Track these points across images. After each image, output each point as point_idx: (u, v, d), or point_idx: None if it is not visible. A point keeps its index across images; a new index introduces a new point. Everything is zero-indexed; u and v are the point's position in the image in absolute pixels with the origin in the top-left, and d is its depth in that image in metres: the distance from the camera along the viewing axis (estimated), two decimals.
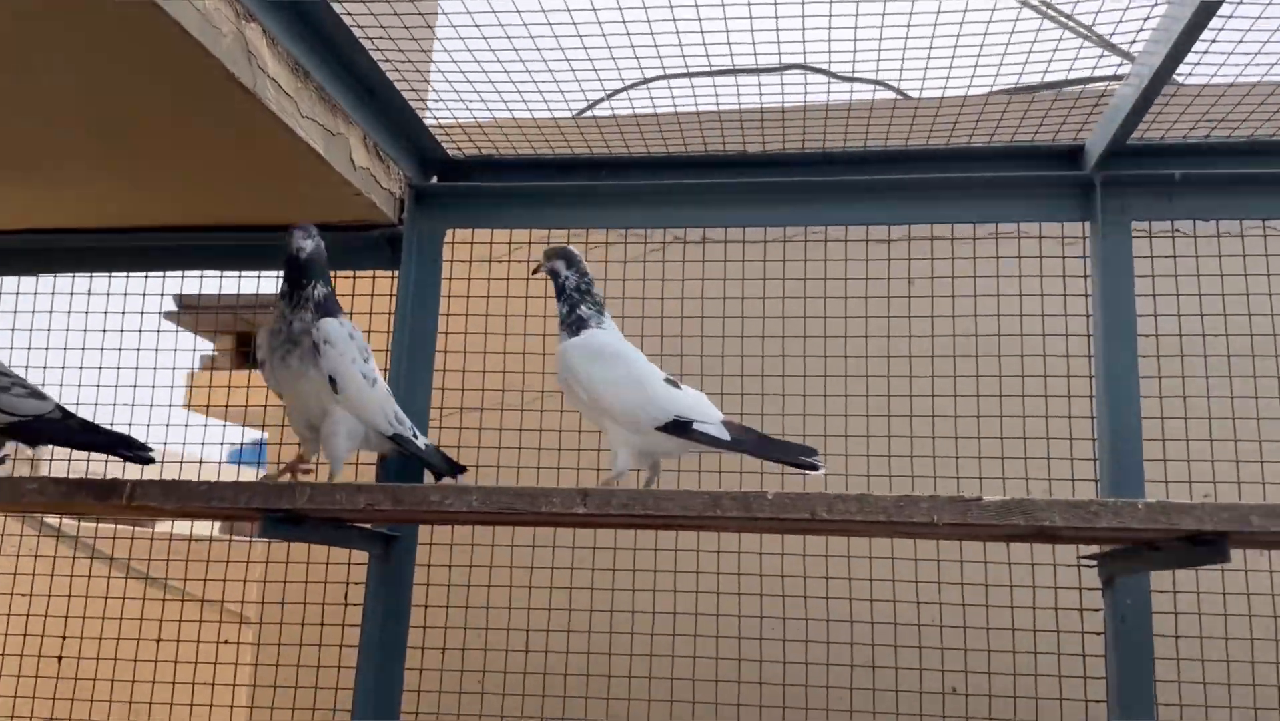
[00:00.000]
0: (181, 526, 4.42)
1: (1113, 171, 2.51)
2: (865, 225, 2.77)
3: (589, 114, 2.76)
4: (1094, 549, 2.40)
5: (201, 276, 3.03)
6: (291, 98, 2.16)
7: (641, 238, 3.03)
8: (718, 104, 2.60)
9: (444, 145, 2.74)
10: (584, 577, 2.66)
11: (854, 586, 2.66)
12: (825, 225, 2.81)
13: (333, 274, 2.80)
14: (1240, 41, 2.11)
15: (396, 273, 2.77)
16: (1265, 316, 2.53)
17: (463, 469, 2.51)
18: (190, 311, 4.83)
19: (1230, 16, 2.00)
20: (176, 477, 2.07)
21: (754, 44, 2.35)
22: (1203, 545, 1.83)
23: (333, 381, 2.19)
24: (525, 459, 2.68)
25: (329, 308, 2.25)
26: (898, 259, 2.77)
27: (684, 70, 2.57)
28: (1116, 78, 2.55)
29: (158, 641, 2.88)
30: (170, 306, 5.04)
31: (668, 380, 2.22)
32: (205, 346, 5.50)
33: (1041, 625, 2.52)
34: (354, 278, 2.85)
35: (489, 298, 2.82)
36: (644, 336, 2.79)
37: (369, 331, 2.78)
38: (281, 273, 2.27)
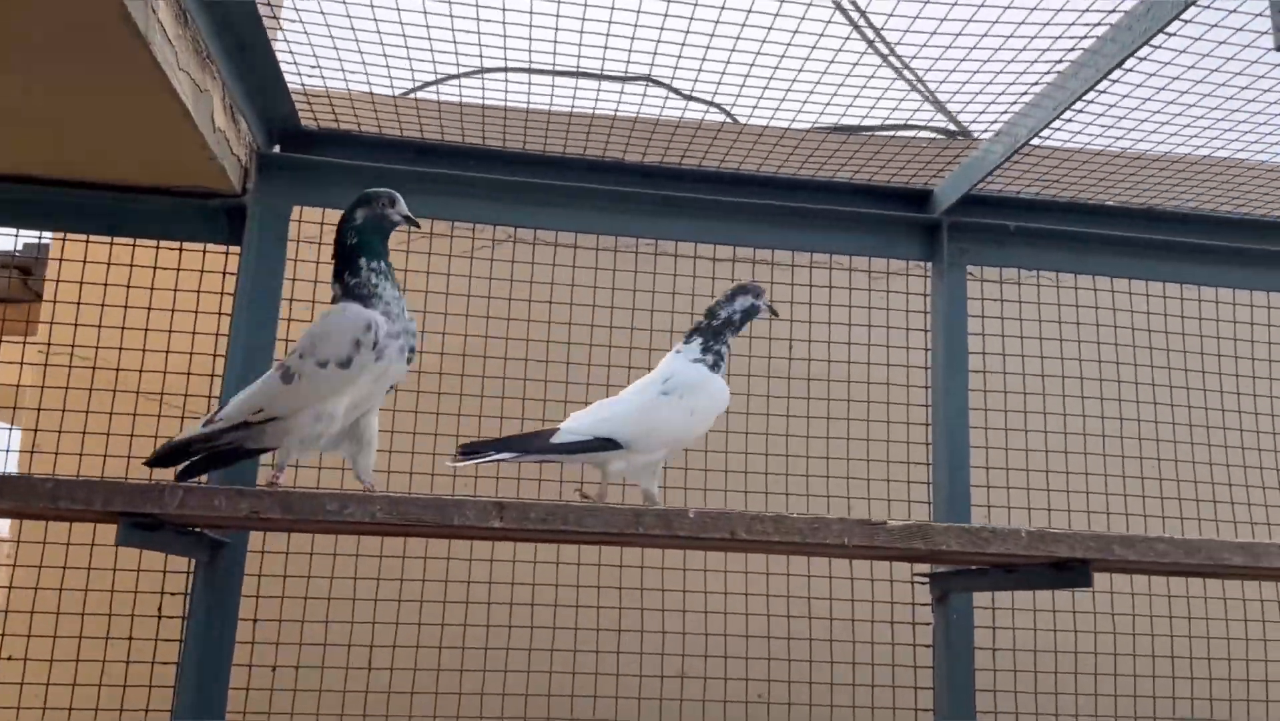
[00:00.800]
0: None
1: (957, 218, 2.71)
2: (712, 244, 2.82)
3: (447, 97, 2.61)
4: (926, 567, 2.58)
5: None
6: (173, 46, 1.89)
7: (474, 232, 2.92)
8: (549, 104, 2.54)
9: (300, 113, 2.51)
10: (435, 590, 2.52)
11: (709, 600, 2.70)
12: (674, 240, 2.84)
13: (157, 244, 2.53)
14: (1100, 116, 2.34)
15: (231, 247, 2.51)
16: (1074, 360, 2.82)
17: None
18: None
19: (1102, 93, 2.21)
20: None
21: (604, 49, 2.32)
22: (1067, 570, 2.01)
23: None
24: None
25: None
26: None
27: (526, 65, 2.50)
28: (944, 130, 2.74)
29: None
30: None
31: None
32: None
33: (878, 638, 2.68)
34: (180, 250, 2.53)
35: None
36: (470, 336, 2.70)
37: (197, 312, 2.51)
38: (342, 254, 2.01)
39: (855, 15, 2.44)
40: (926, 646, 2.59)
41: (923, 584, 2.59)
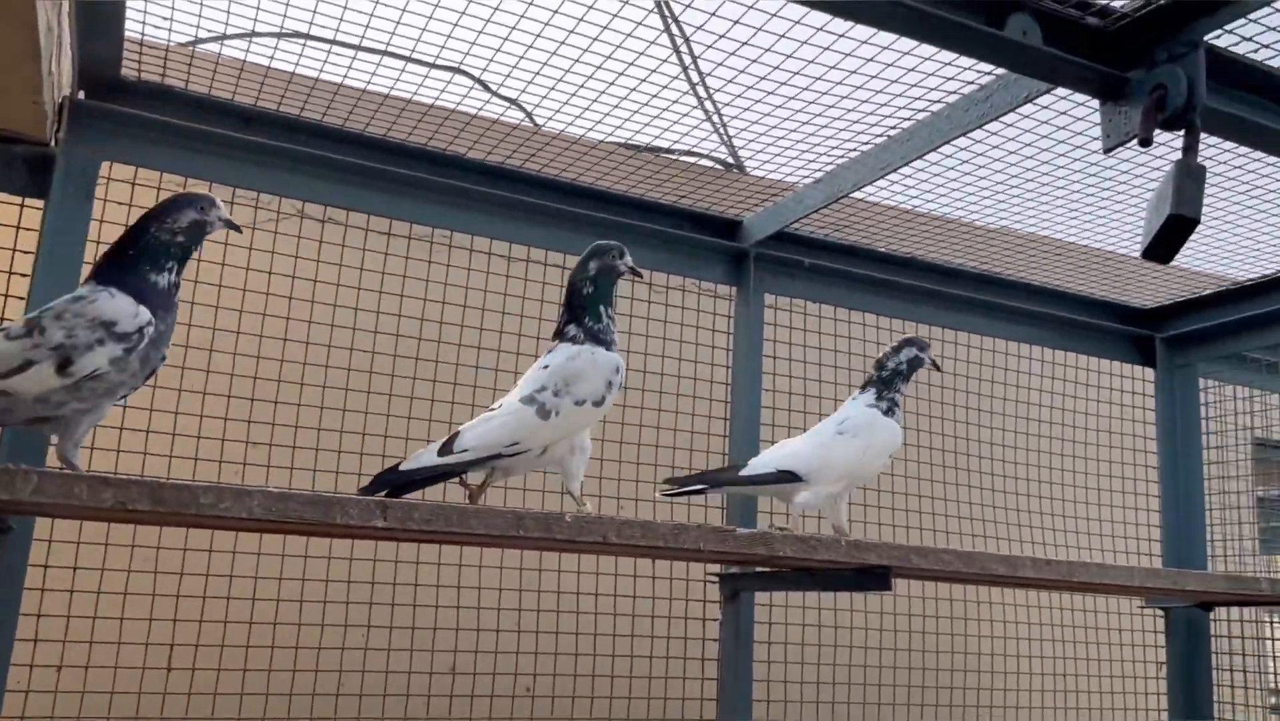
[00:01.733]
0: None
1: (763, 250, 2.95)
2: (519, 243, 2.84)
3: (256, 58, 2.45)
4: (716, 567, 2.79)
5: None
6: None
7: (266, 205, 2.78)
8: (367, 85, 2.49)
9: (126, 60, 2.28)
10: (244, 586, 2.39)
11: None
12: (473, 234, 2.82)
13: None
14: (907, 176, 2.66)
15: (27, 201, 2.25)
16: (845, 386, 3.16)
17: None
18: None
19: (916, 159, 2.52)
20: None
21: (442, 47, 2.33)
22: (871, 575, 2.28)
23: None
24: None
25: None
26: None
27: (356, 42, 2.46)
28: (724, 161, 2.96)
29: None
30: None
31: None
32: None
33: (672, 633, 2.86)
34: None
35: None
36: (267, 316, 2.59)
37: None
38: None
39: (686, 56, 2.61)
40: (706, 640, 2.81)
41: (714, 583, 2.81)
